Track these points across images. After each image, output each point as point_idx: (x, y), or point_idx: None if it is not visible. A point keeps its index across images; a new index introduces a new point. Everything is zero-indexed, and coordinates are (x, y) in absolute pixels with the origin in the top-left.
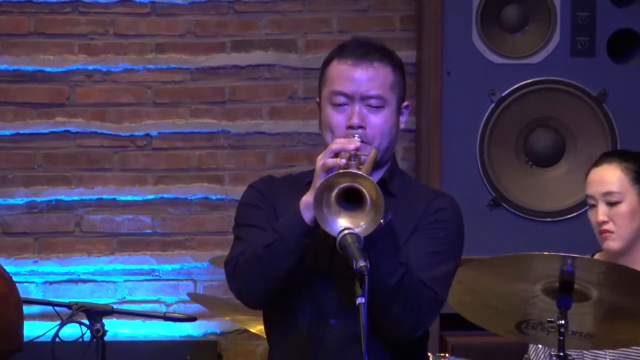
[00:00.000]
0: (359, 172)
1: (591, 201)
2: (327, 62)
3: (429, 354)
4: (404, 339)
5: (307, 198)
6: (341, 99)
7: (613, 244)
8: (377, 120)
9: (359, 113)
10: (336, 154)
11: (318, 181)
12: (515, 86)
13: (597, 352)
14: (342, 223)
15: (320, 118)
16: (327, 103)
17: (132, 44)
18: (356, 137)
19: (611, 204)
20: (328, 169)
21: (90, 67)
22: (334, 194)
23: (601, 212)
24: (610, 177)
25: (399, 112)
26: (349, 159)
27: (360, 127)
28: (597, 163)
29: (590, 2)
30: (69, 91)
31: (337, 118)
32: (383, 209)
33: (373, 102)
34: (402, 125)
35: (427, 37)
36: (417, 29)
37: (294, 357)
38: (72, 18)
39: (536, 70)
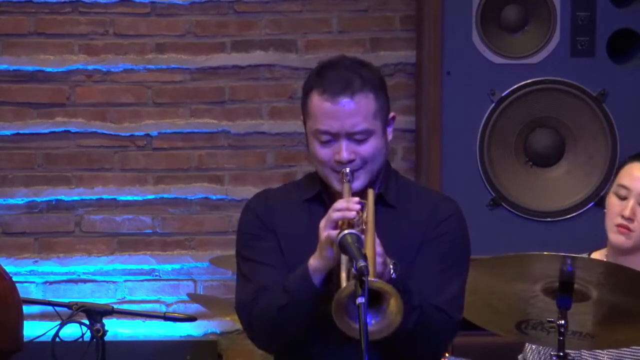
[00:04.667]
0: (374, 280)
1: (623, 192)
2: (307, 92)
3: None
4: None
5: (315, 264)
6: (326, 137)
7: (626, 242)
8: (366, 151)
9: (346, 149)
10: (337, 223)
11: (325, 252)
12: (515, 86)
13: (597, 352)
14: None
15: (307, 145)
16: (313, 138)
17: (132, 44)
18: (347, 170)
19: None
20: (332, 242)
21: (90, 67)
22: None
23: (630, 208)
24: None
25: (385, 129)
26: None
27: (350, 160)
28: None
29: (590, 2)
30: (69, 91)
31: (325, 153)
32: (402, 317)
33: (358, 136)
34: (389, 136)
35: (427, 37)
36: (417, 29)
37: None
38: (72, 18)
39: (536, 70)
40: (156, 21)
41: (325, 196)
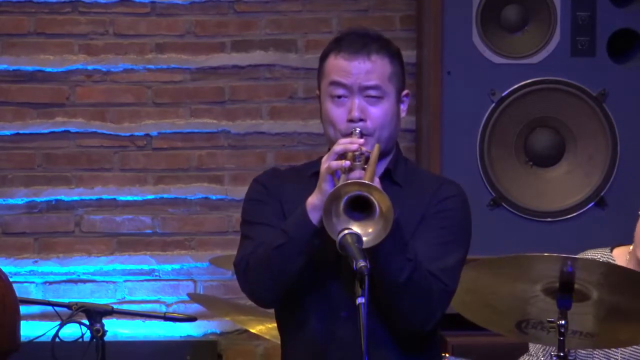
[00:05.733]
0: (366, 182)
1: None
2: (324, 56)
3: None
4: (415, 332)
5: (313, 200)
6: (340, 91)
7: None
8: (377, 112)
9: (358, 106)
10: (340, 156)
11: (324, 184)
12: (515, 86)
13: (608, 351)
14: None
15: (320, 112)
16: (326, 96)
17: (132, 44)
18: (357, 131)
19: None
20: (333, 172)
21: (90, 67)
22: (342, 204)
23: None
24: None
25: (399, 101)
26: (353, 160)
27: (361, 119)
28: None
29: (590, 2)
30: (69, 91)
31: (337, 112)
32: (392, 220)
33: (372, 92)
34: (403, 114)
35: (427, 37)
36: (417, 29)
37: (307, 351)
38: (72, 18)
39: (536, 70)
40: (156, 21)
41: None
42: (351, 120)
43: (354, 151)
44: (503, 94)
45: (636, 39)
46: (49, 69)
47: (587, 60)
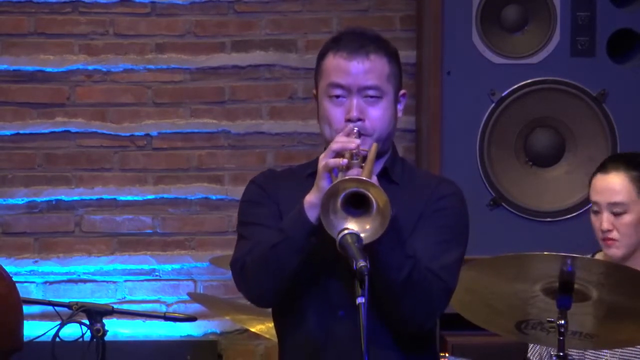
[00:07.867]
0: (364, 178)
1: (595, 207)
2: (322, 55)
3: None
4: (416, 331)
5: (311, 198)
6: (338, 91)
7: (616, 251)
8: (376, 113)
9: (357, 106)
10: (338, 154)
11: (321, 182)
12: (515, 86)
13: (598, 352)
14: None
15: (318, 111)
16: (324, 96)
17: (132, 44)
18: (355, 130)
19: (616, 214)
20: (330, 170)
21: (90, 67)
22: (339, 200)
23: (606, 220)
24: (617, 187)
25: (396, 101)
26: (350, 158)
27: (359, 119)
28: (604, 169)
29: (590, 2)
30: (69, 91)
31: (335, 112)
32: (390, 215)
33: (370, 92)
34: (399, 114)
35: (427, 37)
36: (417, 29)
37: (305, 350)
38: (72, 18)
39: (536, 70)
40: (156, 21)
41: None
42: (349, 120)
43: (351, 149)
44: (503, 94)
45: (636, 39)
46: (49, 69)
47: (587, 60)
